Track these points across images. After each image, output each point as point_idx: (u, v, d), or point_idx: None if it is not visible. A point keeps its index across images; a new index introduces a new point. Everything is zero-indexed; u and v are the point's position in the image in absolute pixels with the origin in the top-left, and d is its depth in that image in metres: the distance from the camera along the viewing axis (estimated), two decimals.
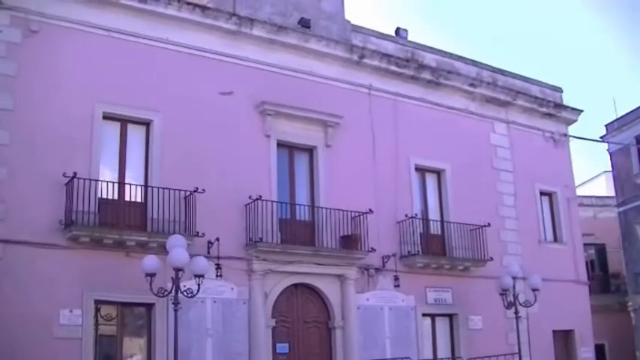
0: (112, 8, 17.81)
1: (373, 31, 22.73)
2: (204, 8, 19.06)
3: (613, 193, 36.42)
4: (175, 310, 14.56)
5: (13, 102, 16.17)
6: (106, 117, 17.37)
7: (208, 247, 17.62)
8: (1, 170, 15.72)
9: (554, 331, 23.97)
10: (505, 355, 21.31)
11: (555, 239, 25.56)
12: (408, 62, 22.77)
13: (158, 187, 17.21)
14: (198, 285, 15.10)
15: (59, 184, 16.06)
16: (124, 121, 17.76)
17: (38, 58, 16.71)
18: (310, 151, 20.62)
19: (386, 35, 23.13)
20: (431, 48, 24.04)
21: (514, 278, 20.02)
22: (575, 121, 27.30)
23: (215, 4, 19.46)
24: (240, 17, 19.58)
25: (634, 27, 70.43)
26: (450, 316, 22.12)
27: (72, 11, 17.33)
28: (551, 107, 26.48)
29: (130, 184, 17.29)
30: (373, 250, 20.00)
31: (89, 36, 17.53)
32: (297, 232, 19.40)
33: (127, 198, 17.14)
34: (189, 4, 18.80)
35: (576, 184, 28.18)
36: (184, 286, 14.77)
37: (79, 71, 17.17)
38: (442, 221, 22.47)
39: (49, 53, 16.87)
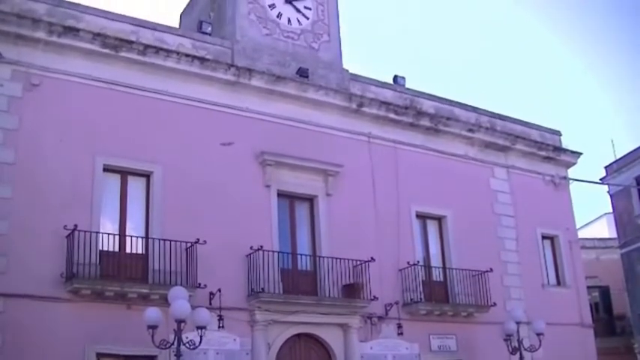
0: (111, 61, 18.00)
1: (371, 79, 22.87)
2: (202, 60, 19.25)
3: (614, 235, 36.38)
4: None
5: (15, 155, 16.26)
6: (107, 169, 17.47)
7: (210, 299, 17.52)
8: (2, 223, 15.73)
9: None
10: None
11: (558, 283, 25.41)
12: (406, 109, 22.88)
13: (159, 239, 17.21)
14: (201, 337, 15.08)
15: (60, 236, 16.07)
16: (124, 173, 17.84)
17: (39, 112, 16.85)
18: (311, 200, 20.63)
19: (384, 83, 23.25)
20: (429, 95, 24.12)
21: (518, 323, 19.97)
22: (574, 163, 27.35)
23: (214, 55, 19.66)
24: (238, 68, 19.76)
25: (630, 68, 71.05)
26: None
27: (72, 64, 17.54)
28: (551, 151, 26.55)
29: (131, 236, 17.28)
30: (376, 298, 19.86)
31: (89, 89, 17.71)
32: (299, 282, 19.33)
33: (127, 250, 17.12)
34: (187, 55, 19.01)
35: (578, 227, 28.11)
36: (186, 337, 14.72)
37: (79, 124, 17.30)
38: (444, 268, 22.39)
39: (50, 106, 17.02)
